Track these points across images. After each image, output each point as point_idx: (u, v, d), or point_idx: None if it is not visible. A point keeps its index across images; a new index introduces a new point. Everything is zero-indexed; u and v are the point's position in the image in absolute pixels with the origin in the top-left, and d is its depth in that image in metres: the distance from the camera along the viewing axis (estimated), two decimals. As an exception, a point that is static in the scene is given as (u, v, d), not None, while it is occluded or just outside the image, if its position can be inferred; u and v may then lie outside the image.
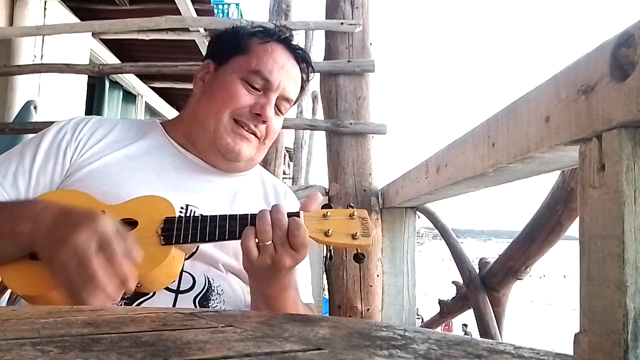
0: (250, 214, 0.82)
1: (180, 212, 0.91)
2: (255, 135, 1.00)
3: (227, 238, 0.82)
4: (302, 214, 0.82)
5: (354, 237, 0.81)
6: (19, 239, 0.76)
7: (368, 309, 1.83)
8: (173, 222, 0.82)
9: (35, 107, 2.85)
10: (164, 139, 1.03)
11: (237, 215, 0.83)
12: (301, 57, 1.06)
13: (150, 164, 0.97)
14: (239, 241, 0.83)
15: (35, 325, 0.43)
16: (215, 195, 0.99)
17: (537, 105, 0.69)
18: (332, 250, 0.87)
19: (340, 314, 1.82)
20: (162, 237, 0.81)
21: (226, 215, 0.83)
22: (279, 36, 1.03)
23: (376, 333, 0.43)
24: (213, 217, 0.83)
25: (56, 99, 3.53)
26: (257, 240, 0.78)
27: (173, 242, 0.81)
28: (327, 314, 1.91)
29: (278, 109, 1.02)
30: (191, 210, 0.93)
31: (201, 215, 0.85)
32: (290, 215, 0.81)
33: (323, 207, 0.85)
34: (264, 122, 0.98)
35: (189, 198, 0.94)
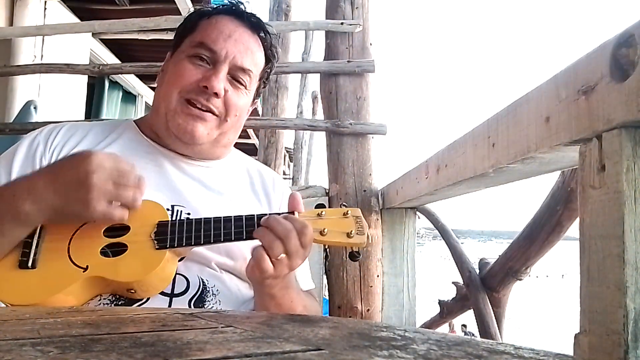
0: (245, 215, 0.82)
1: (167, 212, 0.89)
2: (213, 113, 0.94)
3: (222, 240, 0.82)
4: (297, 214, 0.82)
5: (349, 235, 0.82)
6: (22, 217, 0.77)
7: (368, 310, 1.83)
8: (166, 225, 0.82)
9: (35, 107, 2.85)
10: (139, 137, 1.01)
11: (231, 217, 0.82)
12: (254, 24, 0.99)
13: None
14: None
15: (35, 325, 0.43)
16: (200, 193, 0.97)
17: (537, 105, 0.69)
18: (327, 250, 0.89)
19: (340, 314, 1.82)
20: (155, 242, 0.81)
21: (220, 217, 0.83)
22: (225, 8, 0.98)
23: (376, 333, 0.43)
24: (207, 220, 0.82)
25: (56, 99, 3.52)
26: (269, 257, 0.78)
27: (167, 246, 0.80)
28: (327, 315, 1.91)
29: (236, 81, 0.96)
30: (178, 211, 0.91)
31: (194, 218, 0.85)
32: (288, 216, 0.81)
33: (316, 207, 0.86)
34: (216, 94, 0.92)
35: (174, 198, 0.93)
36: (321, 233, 0.81)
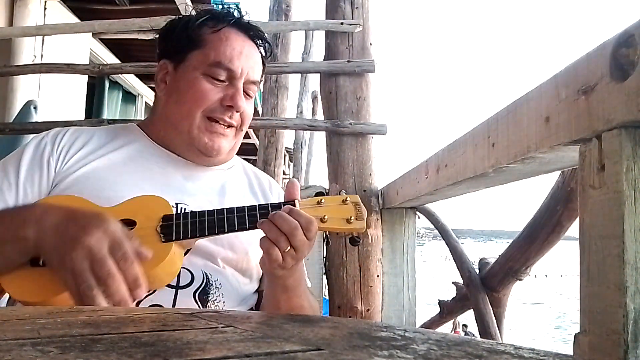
0: (247, 206, 0.84)
1: None
2: (232, 126, 1.00)
3: (226, 231, 0.83)
4: (297, 202, 0.84)
5: (348, 221, 0.84)
6: (23, 243, 0.76)
7: (368, 310, 1.83)
8: (171, 219, 0.83)
9: (35, 107, 2.85)
10: (145, 140, 1.03)
11: (234, 208, 0.84)
12: (255, 35, 1.04)
13: (135, 166, 0.97)
14: (233, 234, 0.85)
15: (35, 325, 0.43)
16: (203, 192, 1.00)
17: (537, 105, 0.69)
18: (328, 236, 0.91)
19: (340, 314, 1.82)
20: (162, 235, 0.82)
21: (223, 208, 0.85)
22: (230, 20, 1.01)
23: (376, 333, 0.43)
24: (211, 212, 0.84)
25: (56, 99, 3.52)
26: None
27: (174, 239, 0.82)
28: (327, 315, 1.91)
29: (247, 94, 1.02)
30: (182, 208, 0.93)
31: (198, 210, 0.86)
32: (286, 204, 0.83)
33: (316, 194, 0.89)
34: (237, 111, 0.98)
35: (178, 196, 0.95)
36: (322, 220, 0.83)
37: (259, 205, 0.85)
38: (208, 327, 0.44)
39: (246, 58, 0.99)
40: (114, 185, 0.91)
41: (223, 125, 0.98)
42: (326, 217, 0.83)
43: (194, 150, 0.99)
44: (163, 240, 0.82)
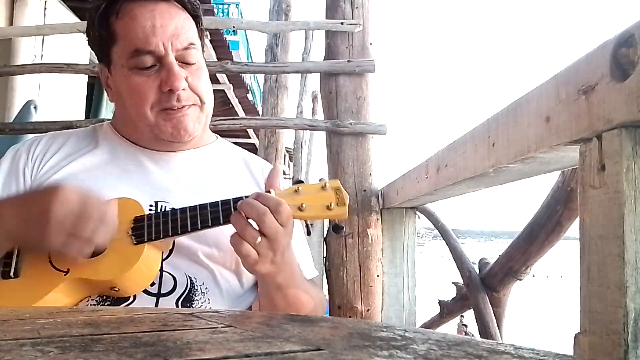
0: (221, 201, 0.81)
1: (150, 209, 0.88)
2: (190, 105, 0.92)
3: (200, 228, 0.80)
4: (272, 191, 0.81)
5: (328, 207, 0.79)
6: None
7: (368, 310, 1.83)
8: (143, 220, 0.81)
9: (35, 107, 2.85)
10: (117, 138, 1.00)
11: (207, 204, 0.81)
12: None
13: (110, 168, 0.95)
14: (215, 229, 0.82)
15: (35, 325, 0.43)
16: (184, 185, 0.95)
17: (537, 105, 0.69)
18: (309, 225, 0.86)
19: (340, 314, 1.82)
20: (133, 237, 0.79)
21: (196, 205, 0.81)
22: None
23: (376, 333, 0.43)
24: (183, 209, 0.81)
25: (56, 99, 3.52)
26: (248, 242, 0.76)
27: (145, 240, 0.79)
28: (327, 315, 1.91)
29: (188, 60, 0.91)
30: (162, 206, 0.90)
31: (170, 209, 0.83)
32: (260, 194, 0.79)
33: (294, 183, 0.84)
34: (183, 90, 0.89)
35: (157, 194, 0.91)
36: (299, 209, 0.79)
37: (233, 198, 0.80)
38: (208, 327, 0.44)
39: (161, 28, 0.88)
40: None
41: (177, 109, 0.90)
42: (304, 205, 0.79)
43: (162, 141, 0.95)
44: (134, 242, 0.79)
